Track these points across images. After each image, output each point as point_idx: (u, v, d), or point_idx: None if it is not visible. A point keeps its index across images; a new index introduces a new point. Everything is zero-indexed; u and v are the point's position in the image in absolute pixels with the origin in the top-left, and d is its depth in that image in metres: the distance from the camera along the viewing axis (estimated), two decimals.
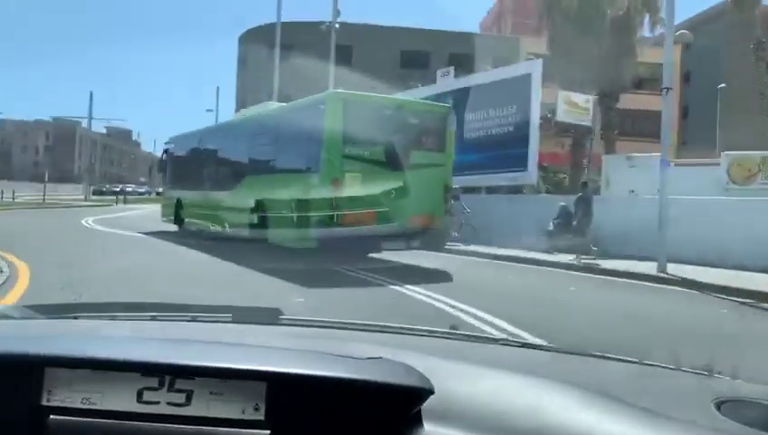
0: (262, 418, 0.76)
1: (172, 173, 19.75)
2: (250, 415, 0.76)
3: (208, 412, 0.76)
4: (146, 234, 17.36)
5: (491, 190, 19.13)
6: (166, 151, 20.61)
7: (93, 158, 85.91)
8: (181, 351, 0.89)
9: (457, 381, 0.94)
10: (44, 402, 0.76)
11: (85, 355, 0.79)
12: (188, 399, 0.76)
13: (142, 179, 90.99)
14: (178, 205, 17.93)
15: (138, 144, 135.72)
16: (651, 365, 1.41)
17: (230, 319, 1.56)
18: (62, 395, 0.76)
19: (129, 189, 71.31)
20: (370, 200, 10.73)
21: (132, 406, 0.76)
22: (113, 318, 1.46)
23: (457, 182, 14.12)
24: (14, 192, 45.76)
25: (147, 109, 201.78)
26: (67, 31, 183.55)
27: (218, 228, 14.55)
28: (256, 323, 1.55)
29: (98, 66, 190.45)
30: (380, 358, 0.89)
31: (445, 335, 1.56)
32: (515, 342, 1.63)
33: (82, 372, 0.76)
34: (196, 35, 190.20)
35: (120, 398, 0.76)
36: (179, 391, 0.77)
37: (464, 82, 20.04)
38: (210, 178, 16.09)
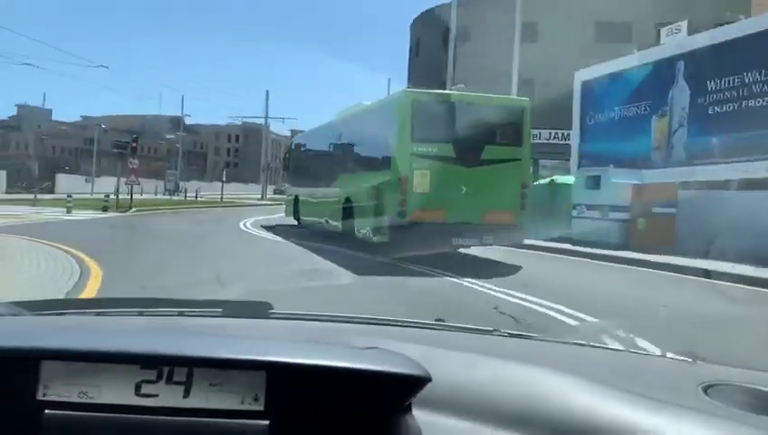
0: (261, 408, 0.75)
1: (290, 171, 21.44)
2: (249, 405, 0.76)
3: (207, 404, 0.75)
4: (300, 243, 14.33)
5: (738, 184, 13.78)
6: (289, 150, 22.34)
7: (270, 157, 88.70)
8: (179, 342, 0.89)
9: (453, 369, 0.96)
10: (40, 397, 0.74)
11: (83, 348, 0.78)
12: (187, 391, 0.75)
13: None
14: (296, 202, 18.69)
15: None
16: (637, 353, 1.56)
17: (219, 313, 1.52)
18: (59, 389, 0.74)
19: None
20: (444, 196, 10.90)
21: (130, 399, 0.75)
22: (100, 314, 1.43)
23: (689, 175, 12.83)
24: (197, 191, 46.72)
25: (323, 106, 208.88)
26: (241, 32, 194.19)
27: (323, 223, 15.18)
28: (247, 317, 1.52)
29: (271, 66, 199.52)
30: (376, 348, 0.91)
31: (438, 327, 1.59)
32: (507, 332, 1.55)
33: (79, 366, 0.74)
34: (368, 25, 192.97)
35: (117, 391, 0.75)
36: (178, 383, 0.75)
37: (704, 38, 14.81)
38: (314, 175, 16.96)
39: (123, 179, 26.41)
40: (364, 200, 12.32)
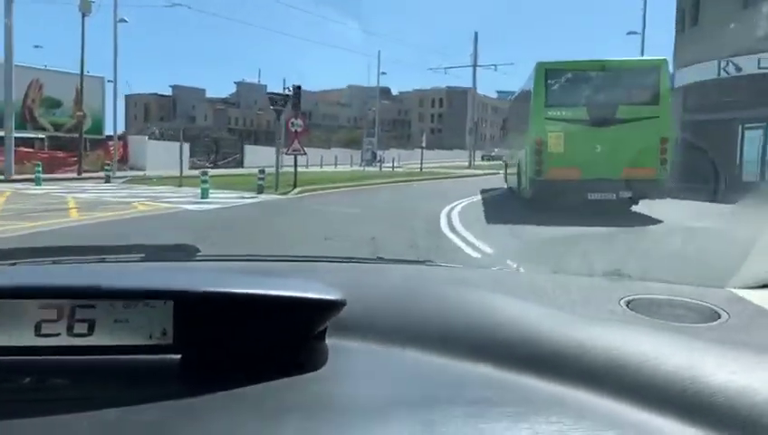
0: (170, 342, 0.71)
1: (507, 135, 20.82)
2: (157, 340, 0.71)
3: (113, 341, 0.70)
4: None
5: None
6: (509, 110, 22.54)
7: (478, 120, 79.20)
8: (80, 278, 0.85)
9: (370, 294, 0.95)
10: None
11: None
12: (91, 329, 0.70)
13: None
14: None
15: None
16: (564, 275, 1.50)
17: (141, 258, 1.43)
18: None
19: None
20: (577, 155, 11.75)
21: (30, 340, 0.69)
22: (13, 264, 1.28)
23: None
24: (393, 160, 38.97)
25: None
26: None
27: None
28: (170, 261, 1.48)
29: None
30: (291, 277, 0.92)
31: (372, 261, 1.55)
32: (438, 263, 1.54)
33: None
34: None
35: (16, 333, 0.70)
36: (80, 320, 0.70)
37: None
38: (511, 140, 18.50)
39: (284, 149, 18.86)
40: (519, 162, 14.46)
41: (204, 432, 0.60)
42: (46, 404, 0.64)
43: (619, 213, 11.25)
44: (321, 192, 19.16)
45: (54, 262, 1.32)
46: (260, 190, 17.78)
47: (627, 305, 1.00)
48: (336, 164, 44.27)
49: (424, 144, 35.12)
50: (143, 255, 1.44)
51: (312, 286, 0.77)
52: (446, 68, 46.38)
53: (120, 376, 0.71)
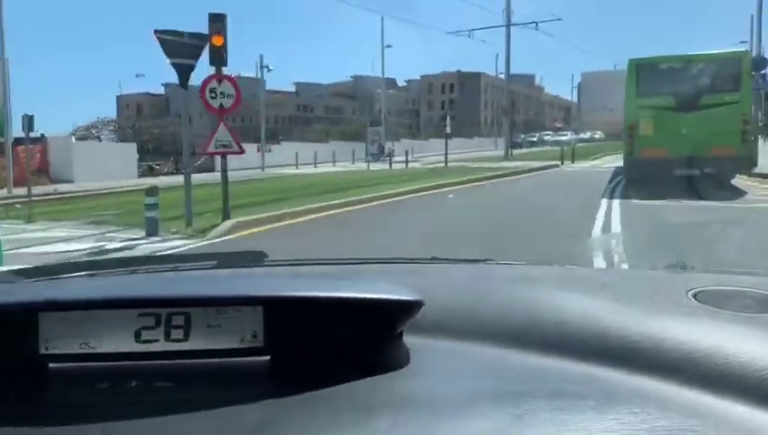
0: (261, 344, 0.74)
1: None
2: (249, 343, 0.74)
3: (206, 345, 0.73)
4: None
5: None
6: None
7: (493, 106, 69.79)
8: (174, 286, 0.91)
9: (443, 294, 0.95)
10: (43, 351, 0.73)
11: (78, 297, 0.78)
12: (186, 334, 0.73)
13: (558, 125, 72.48)
14: None
15: (541, 89, 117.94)
16: (627, 269, 1.73)
17: (214, 265, 1.47)
18: (60, 342, 0.73)
19: (548, 138, 55.40)
20: (666, 136, 13.27)
21: (131, 346, 0.73)
22: (93, 275, 1.34)
23: None
24: (407, 153, 29.69)
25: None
26: None
27: None
28: (242, 267, 1.49)
29: None
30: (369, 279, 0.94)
31: (432, 262, 1.53)
32: (498, 261, 1.54)
33: (77, 317, 0.73)
34: None
35: (118, 340, 0.73)
36: (176, 327, 0.74)
37: None
38: None
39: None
40: (621, 144, 16.67)
41: (301, 428, 0.61)
42: (153, 405, 0.66)
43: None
44: (276, 227, 9.69)
45: (132, 272, 1.35)
46: (151, 230, 8.57)
47: (694, 297, 0.98)
48: (334, 161, 34.99)
49: (448, 129, 25.67)
50: (216, 262, 1.47)
51: (392, 289, 0.79)
52: (470, 30, 35.19)
53: (217, 378, 0.74)
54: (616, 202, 11.74)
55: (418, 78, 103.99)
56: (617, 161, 24.49)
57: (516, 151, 38.31)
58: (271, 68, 34.13)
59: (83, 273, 1.34)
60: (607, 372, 0.70)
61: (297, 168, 31.88)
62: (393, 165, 28.75)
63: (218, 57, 9.11)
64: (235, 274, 1.35)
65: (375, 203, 12.63)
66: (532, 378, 0.70)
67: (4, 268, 1.42)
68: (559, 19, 33.28)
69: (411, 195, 14.26)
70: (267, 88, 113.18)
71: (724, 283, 1.09)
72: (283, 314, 0.74)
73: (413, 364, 0.74)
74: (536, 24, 33.44)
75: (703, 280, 1.11)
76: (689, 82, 13.70)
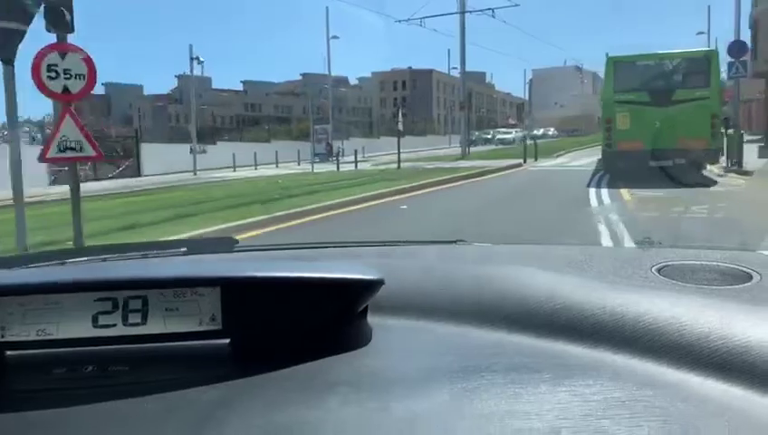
0: (220, 327, 0.74)
1: None
2: (207, 326, 0.74)
3: (165, 329, 0.73)
4: None
5: None
6: None
7: (444, 103, 67.81)
8: (131, 270, 0.91)
9: (408, 274, 0.95)
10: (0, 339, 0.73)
11: (34, 281, 0.78)
12: (144, 318, 0.73)
13: (512, 121, 71.14)
14: None
15: (492, 86, 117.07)
16: (595, 246, 1.47)
17: (183, 252, 1.42)
18: (17, 330, 0.73)
19: (522, 135, 54.45)
20: (641, 130, 14.16)
21: (89, 332, 0.73)
22: (62, 263, 1.29)
23: None
24: (356, 152, 27.01)
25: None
26: None
27: None
28: (212, 253, 1.46)
29: None
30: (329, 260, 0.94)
31: (401, 243, 1.56)
32: (469, 242, 1.51)
33: (35, 304, 0.73)
34: None
35: (75, 326, 0.73)
36: (134, 311, 0.74)
37: None
38: None
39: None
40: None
41: (256, 408, 0.61)
42: (109, 390, 0.66)
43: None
44: None
45: (103, 259, 1.35)
46: None
47: (658, 272, 0.99)
48: (277, 163, 31.97)
49: (400, 126, 22.63)
50: (185, 248, 1.43)
51: (352, 268, 0.81)
52: (421, 18, 32.35)
53: (175, 361, 0.73)
54: (613, 211, 9.27)
55: (370, 74, 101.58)
56: (584, 158, 23.03)
57: (473, 149, 35.99)
58: (202, 59, 30.56)
59: (53, 262, 1.29)
60: (566, 346, 0.70)
61: (234, 170, 28.78)
62: (342, 166, 25.96)
63: (58, 19, 6.14)
64: (199, 259, 1.32)
65: (306, 220, 9.74)
66: (491, 353, 0.70)
67: None
68: (516, 5, 30.82)
69: (355, 206, 11.30)
70: (214, 87, 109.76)
71: (688, 257, 1.10)
72: (242, 296, 0.74)
73: (373, 343, 0.74)
74: (492, 10, 31.04)
75: (668, 255, 1.12)
76: (663, 79, 14.75)
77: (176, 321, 0.73)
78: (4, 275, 0.94)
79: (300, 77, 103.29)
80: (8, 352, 0.73)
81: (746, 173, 15.10)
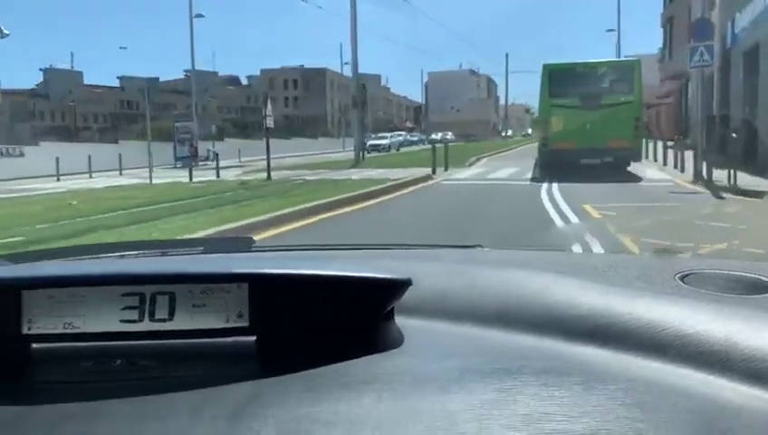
0: (246, 324, 0.72)
1: None
2: (234, 323, 0.72)
3: (192, 325, 0.72)
4: None
5: None
6: None
7: (338, 104, 62.67)
8: (159, 265, 0.91)
9: (434, 277, 0.95)
10: (26, 331, 0.71)
11: (62, 274, 0.78)
12: (171, 314, 0.72)
13: (409, 125, 66.95)
14: None
15: (387, 89, 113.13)
16: (615, 253, 1.61)
17: (201, 250, 1.47)
18: (43, 322, 0.71)
19: (402, 139, 49.83)
20: (573, 131, 15.85)
21: (115, 326, 0.71)
22: (80, 259, 1.32)
23: None
24: (240, 153, 20.86)
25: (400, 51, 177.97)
26: None
27: None
28: (230, 252, 1.49)
29: None
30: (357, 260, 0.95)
31: (423, 246, 1.57)
32: (491, 247, 1.54)
33: (61, 297, 0.71)
34: None
35: (102, 320, 0.71)
36: (161, 306, 0.72)
37: None
38: None
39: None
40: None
41: (289, 403, 0.61)
42: (138, 384, 0.66)
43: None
44: None
45: (121, 256, 1.34)
46: None
47: (681, 280, 1.00)
48: (121, 169, 24.96)
49: (269, 122, 16.11)
50: (203, 247, 1.43)
51: (380, 268, 0.82)
52: None
53: (202, 357, 0.73)
54: None
55: (259, 72, 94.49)
56: (504, 169, 18.84)
57: (369, 155, 30.71)
58: (7, 32, 22.99)
59: (71, 257, 1.31)
60: (594, 351, 0.70)
61: (58, 179, 21.75)
62: (203, 174, 19.83)
63: None
64: (222, 257, 1.32)
65: None
66: (520, 356, 0.69)
67: None
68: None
69: None
70: (86, 82, 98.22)
71: (712, 266, 1.11)
72: (270, 293, 0.73)
73: (402, 344, 0.74)
74: None
75: (691, 264, 1.13)
76: (592, 85, 16.44)
77: (202, 317, 0.71)
78: (31, 268, 0.93)
79: (183, 74, 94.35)
80: (34, 345, 0.72)
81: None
